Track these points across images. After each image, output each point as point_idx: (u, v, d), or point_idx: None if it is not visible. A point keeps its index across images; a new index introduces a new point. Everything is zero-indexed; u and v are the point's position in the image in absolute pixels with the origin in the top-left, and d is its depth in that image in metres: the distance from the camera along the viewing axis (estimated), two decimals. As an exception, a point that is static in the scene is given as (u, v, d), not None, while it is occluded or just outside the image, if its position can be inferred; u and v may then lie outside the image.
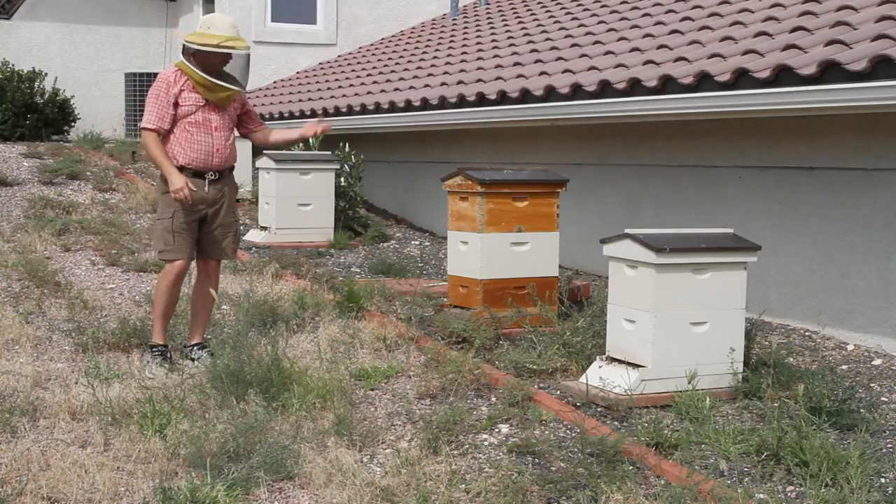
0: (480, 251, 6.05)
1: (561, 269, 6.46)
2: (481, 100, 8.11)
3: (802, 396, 4.49)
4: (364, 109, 9.81)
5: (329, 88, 12.00)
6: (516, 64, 8.96)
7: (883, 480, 3.89)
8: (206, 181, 5.32)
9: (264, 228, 8.97)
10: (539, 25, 10.78)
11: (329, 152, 9.30)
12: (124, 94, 14.77)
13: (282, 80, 14.13)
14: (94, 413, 4.39)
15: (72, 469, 3.77)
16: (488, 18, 12.89)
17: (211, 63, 5.25)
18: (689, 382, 4.69)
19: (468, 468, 3.97)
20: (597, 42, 8.69)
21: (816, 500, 3.61)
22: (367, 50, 14.13)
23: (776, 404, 4.62)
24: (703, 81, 6.06)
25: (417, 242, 9.32)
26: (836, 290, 5.99)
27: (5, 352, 5.38)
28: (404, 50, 12.91)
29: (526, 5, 12.73)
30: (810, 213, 6.17)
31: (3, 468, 3.79)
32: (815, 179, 6.15)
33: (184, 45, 5.29)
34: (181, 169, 5.25)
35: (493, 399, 4.84)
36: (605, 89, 6.80)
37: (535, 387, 4.97)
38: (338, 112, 10.22)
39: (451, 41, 12.18)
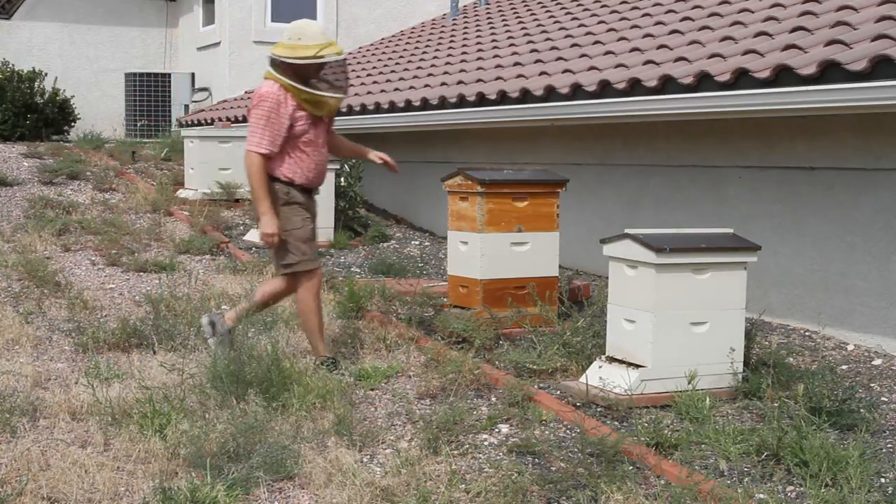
0: (480, 251, 6.05)
1: (561, 269, 6.47)
2: (481, 100, 8.11)
3: (802, 396, 4.49)
4: (364, 109, 9.81)
5: (329, 88, 11.98)
6: (516, 64, 8.96)
7: (883, 480, 3.88)
8: (313, 194, 5.20)
9: (264, 228, 8.96)
10: (539, 25, 10.78)
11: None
12: (124, 94, 14.79)
13: (282, 81, 14.11)
14: (94, 413, 4.38)
15: (72, 469, 3.76)
16: (488, 18, 12.89)
17: (307, 74, 5.01)
18: (689, 382, 4.69)
19: (468, 468, 3.97)
20: (597, 42, 8.69)
21: (816, 500, 3.61)
22: (367, 50, 14.12)
23: (776, 404, 4.62)
24: (703, 81, 6.06)
25: (417, 242, 9.32)
26: (836, 290, 5.99)
27: (5, 352, 5.38)
28: (404, 50, 12.90)
29: (526, 5, 12.73)
30: (810, 214, 6.17)
31: (3, 468, 3.79)
32: (815, 179, 6.15)
33: (272, 59, 5.00)
34: (289, 183, 5.03)
35: (493, 399, 4.84)
36: (605, 89, 6.80)
37: (535, 387, 4.97)
38: (338, 112, 10.19)
39: (451, 41, 12.17)
